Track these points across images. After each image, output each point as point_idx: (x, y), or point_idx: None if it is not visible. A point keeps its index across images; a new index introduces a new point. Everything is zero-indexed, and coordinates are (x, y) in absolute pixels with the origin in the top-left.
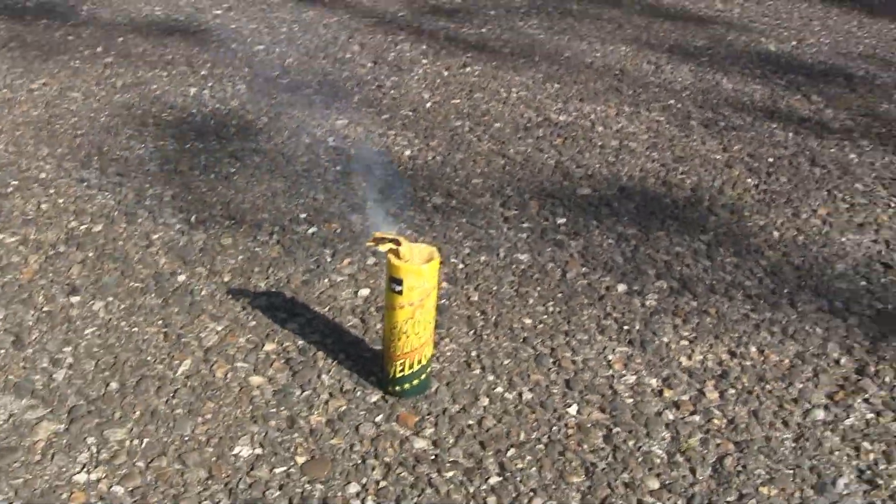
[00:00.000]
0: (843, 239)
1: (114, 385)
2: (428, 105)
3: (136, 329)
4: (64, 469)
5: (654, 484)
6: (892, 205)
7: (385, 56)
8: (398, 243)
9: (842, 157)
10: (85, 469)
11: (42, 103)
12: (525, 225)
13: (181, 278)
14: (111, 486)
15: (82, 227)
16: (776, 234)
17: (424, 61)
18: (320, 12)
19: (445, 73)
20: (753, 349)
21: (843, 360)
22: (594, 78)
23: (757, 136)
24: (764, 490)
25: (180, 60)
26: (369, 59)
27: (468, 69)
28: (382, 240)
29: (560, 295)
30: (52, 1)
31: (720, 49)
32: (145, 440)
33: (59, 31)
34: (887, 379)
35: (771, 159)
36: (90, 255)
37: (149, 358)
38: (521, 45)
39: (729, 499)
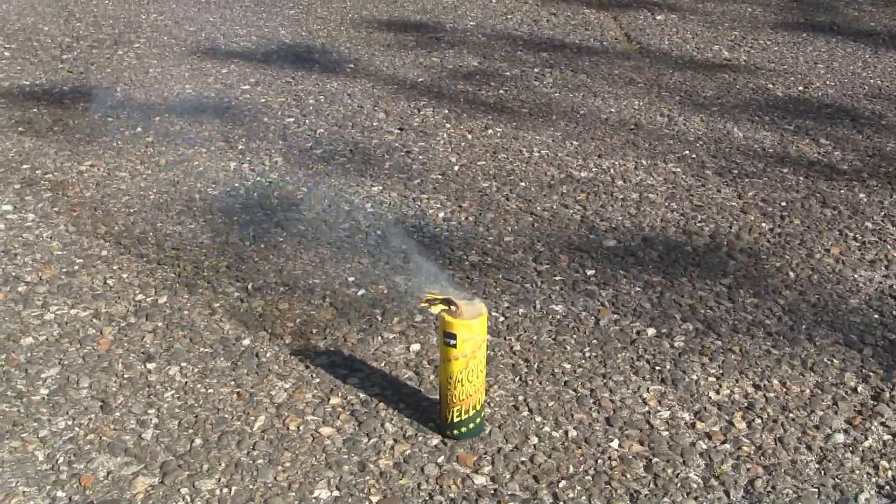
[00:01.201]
0: (856, 276)
1: (198, 441)
2: (456, 168)
3: (210, 390)
4: None
5: None
6: None
7: (410, 122)
8: (449, 302)
9: (851, 198)
10: None
11: (93, 184)
12: (557, 278)
13: (246, 342)
14: None
15: (148, 300)
16: (792, 274)
17: (448, 125)
18: (343, 82)
19: (469, 136)
20: (776, 382)
21: (859, 388)
22: (611, 133)
23: (769, 181)
24: None
25: (217, 136)
26: (395, 126)
27: (490, 131)
28: (434, 300)
29: (595, 341)
30: (87, 85)
31: (729, 97)
32: (233, 488)
33: (98, 113)
34: None
35: (784, 203)
36: (159, 324)
37: (226, 416)
38: (539, 105)
39: None
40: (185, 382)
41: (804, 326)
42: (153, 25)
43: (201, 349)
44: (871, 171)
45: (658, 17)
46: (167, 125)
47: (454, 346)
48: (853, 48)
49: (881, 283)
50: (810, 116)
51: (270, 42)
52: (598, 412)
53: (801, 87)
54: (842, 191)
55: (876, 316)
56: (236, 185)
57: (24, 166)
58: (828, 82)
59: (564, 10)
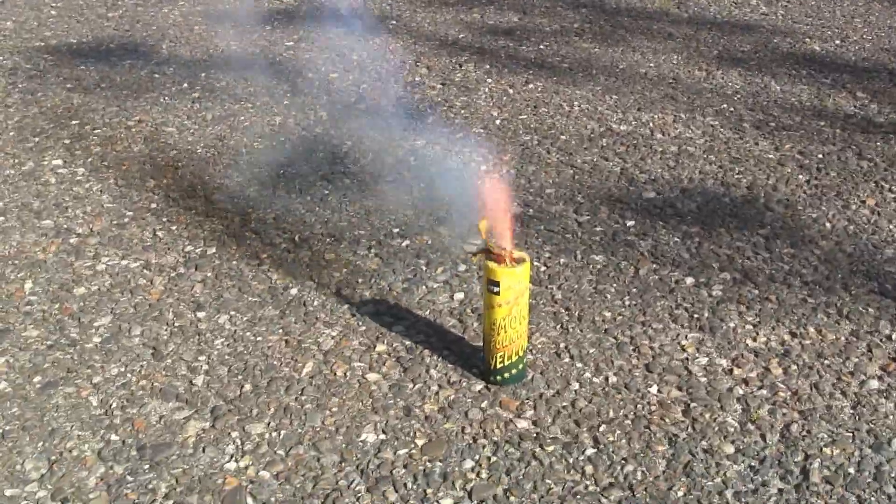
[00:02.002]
0: (892, 226)
1: (248, 387)
2: (497, 122)
3: (259, 338)
4: (215, 459)
5: (730, 449)
6: None
7: (452, 77)
8: (493, 251)
9: (887, 150)
10: (233, 459)
11: (140, 139)
12: (598, 229)
13: (293, 291)
14: (258, 472)
15: (197, 251)
16: (828, 225)
17: (489, 80)
18: (385, 39)
19: (511, 91)
20: (812, 329)
21: (894, 336)
22: (650, 87)
23: (806, 134)
24: (827, 451)
25: (262, 92)
26: (438, 82)
27: (531, 86)
28: (482, 251)
29: (634, 290)
30: (133, 42)
31: (767, 52)
32: (282, 432)
33: (145, 69)
34: None
35: (820, 155)
36: (209, 274)
37: (275, 362)
38: (579, 60)
39: (796, 459)
40: (235, 330)
41: (840, 276)
42: None
43: (250, 298)
44: None
45: None
46: (213, 81)
47: (498, 293)
48: (891, 2)
49: None
50: (847, 70)
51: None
52: (638, 359)
53: (838, 42)
54: (878, 143)
55: None
56: (282, 139)
57: (73, 122)
58: (865, 36)
59: None
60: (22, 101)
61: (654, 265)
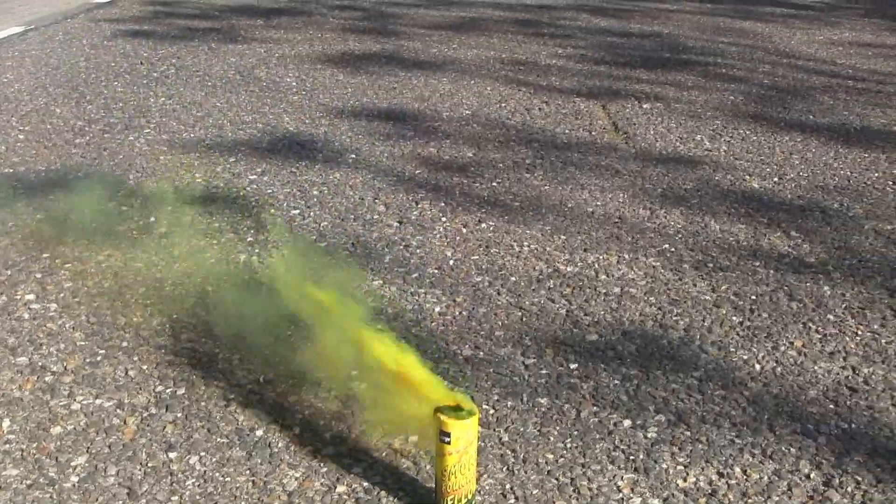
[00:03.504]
0: (816, 367)
1: None
2: (451, 262)
3: (228, 479)
4: None
5: None
6: (860, 333)
7: (408, 215)
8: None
9: (816, 291)
10: None
11: (110, 274)
12: (543, 371)
13: (259, 433)
14: None
15: (168, 391)
16: (758, 366)
17: (444, 218)
18: (345, 173)
19: (464, 230)
20: (738, 469)
21: (812, 475)
22: (596, 227)
23: (741, 274)
24: None
25: (226, 228)
26: (395, 219)
27: (483, 225)
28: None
29: (576, 432)
30: (100, 171)
31: (708, 190)
32: None
33: (112, 202)
34: (849, 488)
35: (754, 297)
36: (179, 415)
37: (242, 503)
38: (529, 198)
39: None
40: (205, 471)
41: (766, 417)
42: (162, 110)
43: (218, 439)
44: (835, 263)
45: (644, 106)
46: (179, 215)
47: (448, 442)
48: (827, 137)
49: (838, 374)
50: (783, 209)
51: (275, 130)
52: (578, 499)
53: (776, 179)
54: (808, 283)
55: (831, 406)
56: (246, 277)
57: (44, 255)
58: (801, 174)
59: (556, 98)
60: None
61: (595, 408)
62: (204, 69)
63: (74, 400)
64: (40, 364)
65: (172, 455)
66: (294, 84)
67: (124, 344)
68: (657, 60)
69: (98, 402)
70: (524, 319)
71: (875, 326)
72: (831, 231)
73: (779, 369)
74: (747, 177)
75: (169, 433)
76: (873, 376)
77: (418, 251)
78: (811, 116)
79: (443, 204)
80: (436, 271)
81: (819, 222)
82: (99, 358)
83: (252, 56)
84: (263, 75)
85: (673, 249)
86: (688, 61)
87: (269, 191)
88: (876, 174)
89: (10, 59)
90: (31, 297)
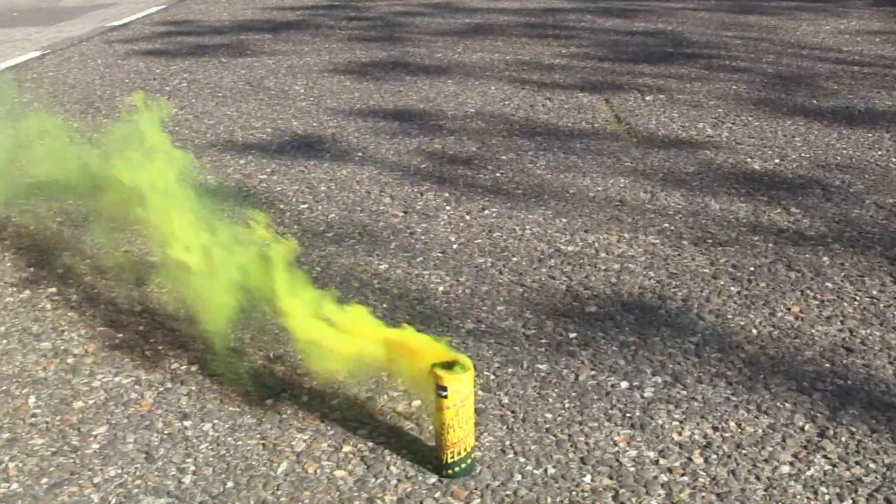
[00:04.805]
0: (813, 331)
1: (230, 484)
2: (455, 246)
3: (240, 442)
4: None
5: None
6: (857, 298)
7: (413, 205)
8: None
9: (815, 261)
10: None
11: (128, 267)
12: (543, 341)
13: (269, 402)
14: None
15: (182, 368)
16: (755, 331)
17: (448, 207)
18: (352, 169)
19: (468, 217)
20: (732, 424)
21: (807, 427)
22: (597, 210)
23: (740, 248)
24: None
25: (238, 223)
26: (400, 210)
27: (486, 212)
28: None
29: (574, 394)
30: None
31: (709, 173)
32: None
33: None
34: (843, 438)
35: (752, 268)
36: (193, 388)
37: (253, 462)
38: (532, 186)
39: None
40: (218, 436)
41: (762, 376)
42: (175, 119)
43: (230, 408)
44: (835, 236)
45: (647, 98)
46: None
47: (446, 396)
48: (830, 120)
49: (835, 336)
50: (783, 187)
51: (284, 133)
52: (574, 453)
53: (777, 160)
54: (807, 255)
55: (828, 365)
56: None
57: (65, 253)
58: (803, 154)
59: (559, 95)
60: (16, 235)
61: (593, 372)
62: (214, 81)
63: (95, 378)
64: (63, 348)
65: (187, 423)
66: (302, 91)
67: (141, 328)
68: (661, 55)
69: (117, 379)
70: (525, 295)
71: (874, 292)
72: (832, 206)
73: (776, 333)
74: (749, 159)
75: (184, 404)
76: (870, 337)
77: (423, 237)
78: (815, 101)
79: (447, 194)
80: (440, 255)
81: (819, 198)
82: (118, 341)
83: (261, 67)
84: (272, 84)
85: (672, 228)
86: (691, 55)
87: (279, 188)
88: (879, 152)
89: (28, 80)
90: (53, 289)
